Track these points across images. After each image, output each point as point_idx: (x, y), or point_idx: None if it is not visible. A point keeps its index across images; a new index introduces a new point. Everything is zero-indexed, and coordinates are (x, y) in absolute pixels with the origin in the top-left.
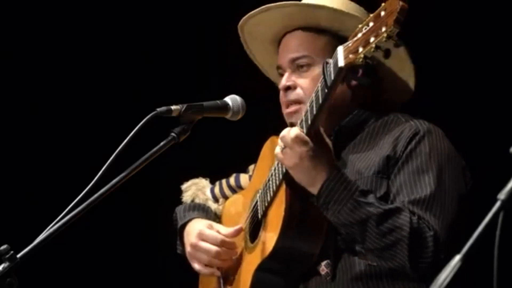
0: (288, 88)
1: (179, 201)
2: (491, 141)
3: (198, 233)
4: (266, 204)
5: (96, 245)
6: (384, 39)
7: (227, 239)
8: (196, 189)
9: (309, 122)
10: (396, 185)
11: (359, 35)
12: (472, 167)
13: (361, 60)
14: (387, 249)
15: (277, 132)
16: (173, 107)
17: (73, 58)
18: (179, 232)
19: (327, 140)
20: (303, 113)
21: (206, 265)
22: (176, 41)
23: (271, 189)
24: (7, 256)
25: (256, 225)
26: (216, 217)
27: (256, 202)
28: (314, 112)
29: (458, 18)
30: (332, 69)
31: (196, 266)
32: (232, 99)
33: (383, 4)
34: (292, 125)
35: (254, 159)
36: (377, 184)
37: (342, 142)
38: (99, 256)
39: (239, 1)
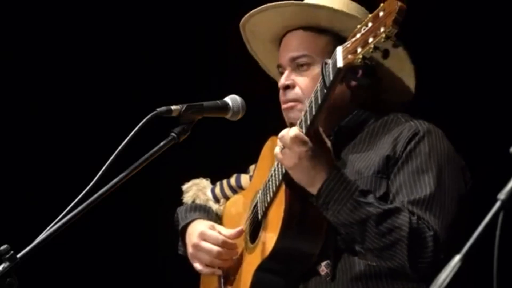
0: (287, 87)
1: (179, 201)
2: (491, 141)
3: (200, 233)
4: (266, 205)
5: (96, 245)
6: (382, 40)
7: (229, 240)
8: (197, 189)
9: (308, 122)
10: (396, 185)
11: (358, 35)
12: (472, 167)
13: (359, 60)
14: (387, 249)
15: (277, 132)
16: (173, 107)
17: (73, 58)
18: (181, 233)
19: (327, 140)
20: (302, 113)
21: (207, 265)
22: (176, 41)
23: (270, 190)
24: (7, 256)
25: (256, 226)
26: (218, 218)
27: (256, 202)
28: (313, 112)
29: (458, 18)
30: (331, 69)
31: (198, 266)
32: (232, 99)
33: (381, 4)
34: (292, 125)
35: (254, 159)
36: (376, 184)
37: (342, 142)
38: (99, 256)
39: (239, 1)
